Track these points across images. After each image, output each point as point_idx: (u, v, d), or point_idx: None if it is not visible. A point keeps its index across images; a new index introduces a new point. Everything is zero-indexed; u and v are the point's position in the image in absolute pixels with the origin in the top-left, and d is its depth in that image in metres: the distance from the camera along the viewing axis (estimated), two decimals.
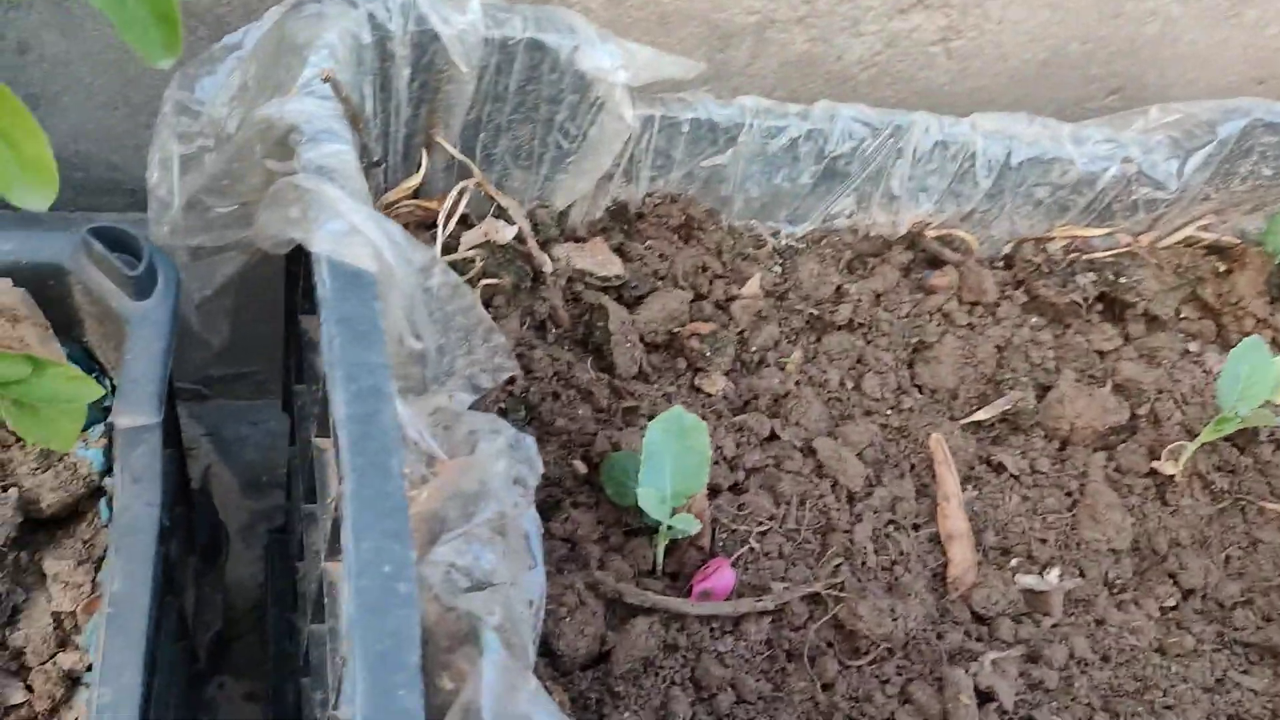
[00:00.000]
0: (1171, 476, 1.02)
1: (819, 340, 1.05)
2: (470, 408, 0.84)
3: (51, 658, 0.77)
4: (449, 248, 0.92)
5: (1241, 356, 0.93)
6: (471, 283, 0.92)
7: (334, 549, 0.72)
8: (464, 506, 0.68)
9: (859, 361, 1.04)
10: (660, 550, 0.85)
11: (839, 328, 1.05)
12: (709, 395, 0.98)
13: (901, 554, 0.91)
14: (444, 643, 0.61)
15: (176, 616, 0.97)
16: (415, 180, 0.90)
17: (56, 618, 0.78)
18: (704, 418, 0.95)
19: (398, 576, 0.56)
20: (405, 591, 0.56)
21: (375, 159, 0.81)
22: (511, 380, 0.90)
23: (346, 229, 0.68)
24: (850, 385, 1.02)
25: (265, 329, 1.28)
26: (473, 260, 0.90)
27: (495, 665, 0.58)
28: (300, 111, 0.73)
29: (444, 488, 0.70)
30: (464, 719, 0.57)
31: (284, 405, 1.12)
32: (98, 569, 0.79)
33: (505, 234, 0.94)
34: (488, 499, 0.68)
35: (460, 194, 0.92)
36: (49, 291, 0.80)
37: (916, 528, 0.94)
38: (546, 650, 0.76)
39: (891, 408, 1.02)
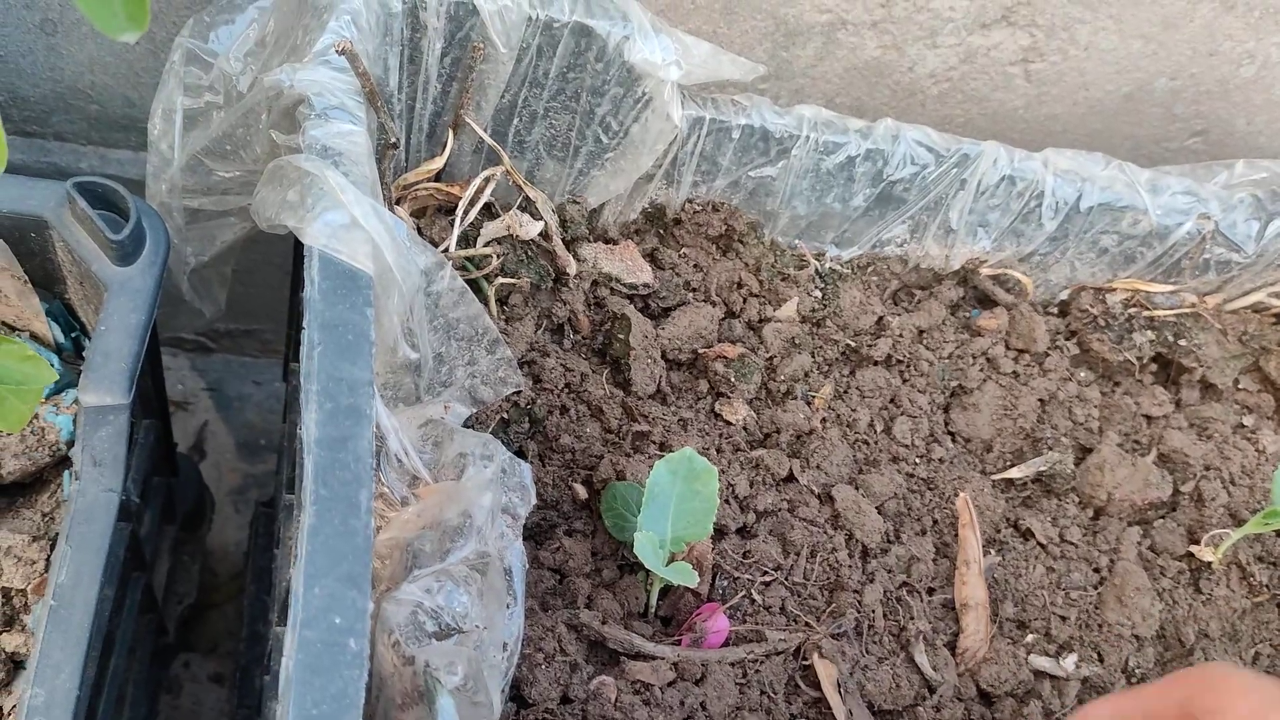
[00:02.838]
0: (1209, 563, 0.95)
1: (852, 374, 0.98)
2: (470, 418, 0.78)
3: None
4: (467, 238, 0.86)
5: None
6: (487, 279, 0.85)
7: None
8: (443, 541, 0.62)
9: (892, 402, 0.97)
10: (654, 593, 0.79)
11: (875, 363, 0.98)
12: (728, 424, 0.91)
13: (911, 618, 0.84)
14: (398, 699, 0.55)
15: (144, 590, 0.92)
16: (439, 162, 0.84)
17: (5, 594, 0.73)
18: (720, 449, 0.88)
19: (350, 630, 0.50)
20: (356, 649, 0.50)
21: (392, 140, 0.74)
22: (518, 390, 0.84)
23: (346, 222, 0.61)
24: (880, 428, 0.95)
25: (275, 287, 1.23)
26: (490, 256, 0.84)
27: None
28: (312, 82, 0.67)
29: (423, 515, 0.64)
30: None
31: (284, 375, 1.07)
32: (54, 546, 0.74)
33: (529, 229, 0.87)
34: (469, 535, 0.62)
35: (486, 181, 0.85)
36: (30, 244, 0.74)
37: (931, 591, 0.87)
38: (517, 695, 0.70)
39: (921, 456, 0.95)
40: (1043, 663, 0.86)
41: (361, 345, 0.58)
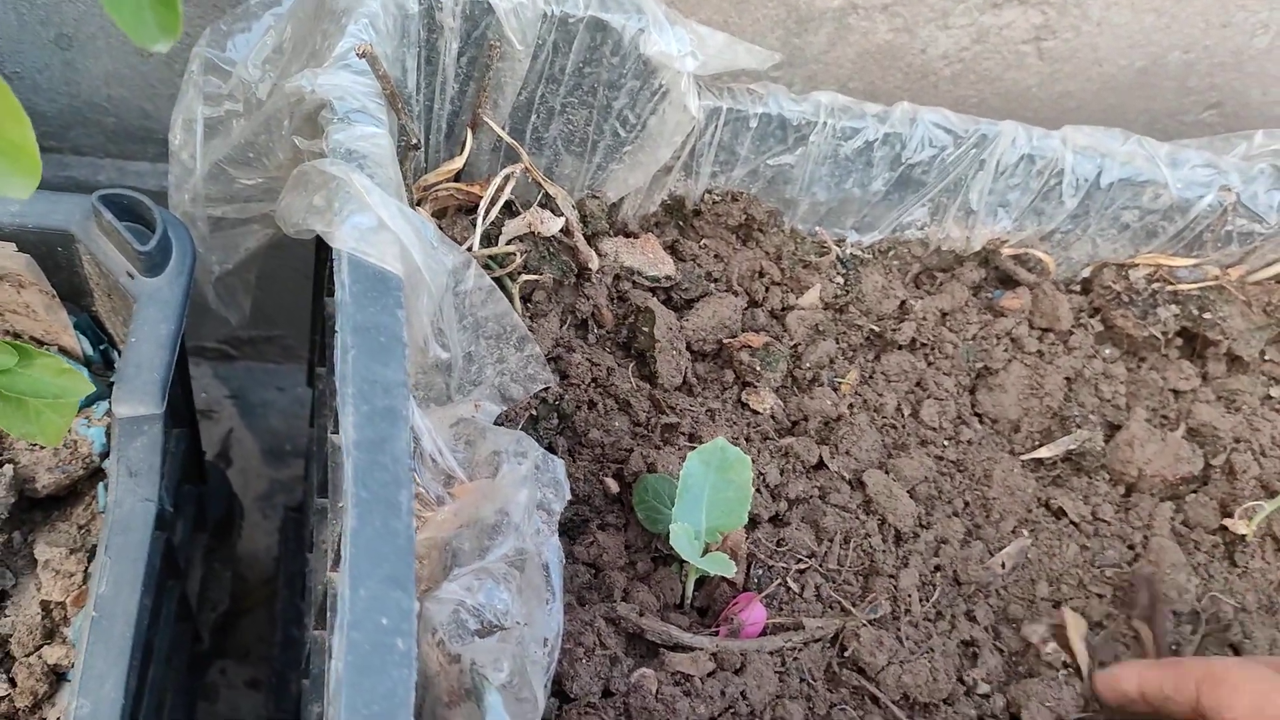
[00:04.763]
0: (1243, 536, 0.94)
1: (878, 359, 0.98)
2: (500, 416, 0.78)
3: (37, 650, 0.72)
4: (489, 237, 0.86)
5: None
6: (511, 277, 0.85)
7: (339, 559, 0.67)
8: (480, 539, 0.62)
9: (918, 385, 0.97)
10: (690, 584, 0.79)
11: (900, 347, 0.98)
12: (756, 413, 0.91)
13: (949, 604, 0.84)
14: (444, 697, 0.56)
15: (179, 598, 0.93)
16: (458, 162, 0.84)
17: (45, 607, 0.74)
18: (749, 439, 0.88)
19: (396, 630, 0.50)
20: (404, 649, 0.50)
21: (413, 142, 0.74)
22: (546, 387, 0.84)
23: (374, 224, 0.61)
24: (907, 412, 0.95)
25: (296, 292, 1.23)
26: (513, 254, 0.84)
27: None
28: (334, 86, 0.67)
29: (460, 514, 0.64)
30: None
31: (309, 380, 1.07)
32: (91, 558, 0.75)
33: (551, 226, 0.87)
34: (507, 533, 0.63)
35: (506, 179, 0.85)
36: (57, 258, 0.74)
37: (959, 583, 0.87)
38: (559, 690, 0.70)
39: (949, 438, 0.95)
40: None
41: (394, 347, 0.59)
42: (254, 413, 1.32)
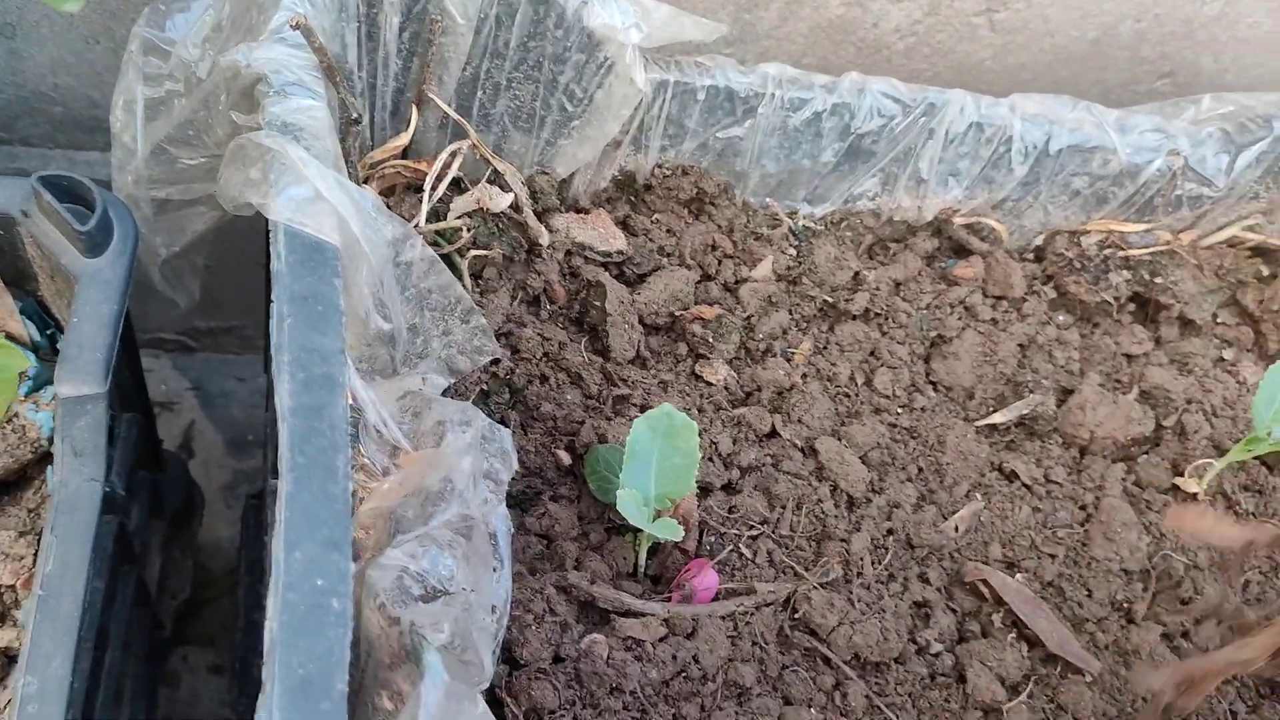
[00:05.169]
0: (1194, 495, 0.95)
1: (831, 330, 0.98)
2: (448, 389, 0.78)
3: None
4: (437, 214, 0.86)
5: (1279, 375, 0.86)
6: (460, 253, 0.85)
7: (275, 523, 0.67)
8: (424, 506, 0.63)
9: (872, 354, 0.98)
10: (642, 552, 0.79)
11: (853, 317, 0.99)
12: (709, 385, 0.91)
13: (902, 567, 0.85)
14: (385, 659, 0.56)
15: (136, 584, 0.92)
16: (404, 138, 0.84)
17: None
18: (702, 409, 0.89)
19: (332, 591, 0.51)
20: (339, 609, 0.50)
21: (354, 116, 0.74)
22: (496, 360, 0.84)
23: (310, 195, 0.61)
24: (861, 380, 0.96)
25: (253, 283, 1.22)
26: (461, 230, 0.84)
27: (437, 690, 0.52)
28: (269, 60, 0.67)
29: (405, 483, 0.65)
30: None
31: (265, 366, 1.07)
32: (41, 541, 0.74)
33: (500, 201, 0.87)
34: (451, 499, 0.63)
35: (452, 155, 0.85)
36: None
37: (911, 546, 0.87)
38: (509, 657, 0.70)
39: (903, 406, 0.96)
40: None
41: (331, 316, 0.59)
42: (215, 404, 1.31)
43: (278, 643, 0.49)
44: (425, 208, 0.82)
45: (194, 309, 1.27)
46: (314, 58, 0.69)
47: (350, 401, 0.65)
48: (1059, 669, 0.83)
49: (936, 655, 0.81)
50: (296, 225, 0.60)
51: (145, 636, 0.96)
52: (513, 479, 0.80)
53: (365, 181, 0.84)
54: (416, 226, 0.82)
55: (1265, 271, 1.11)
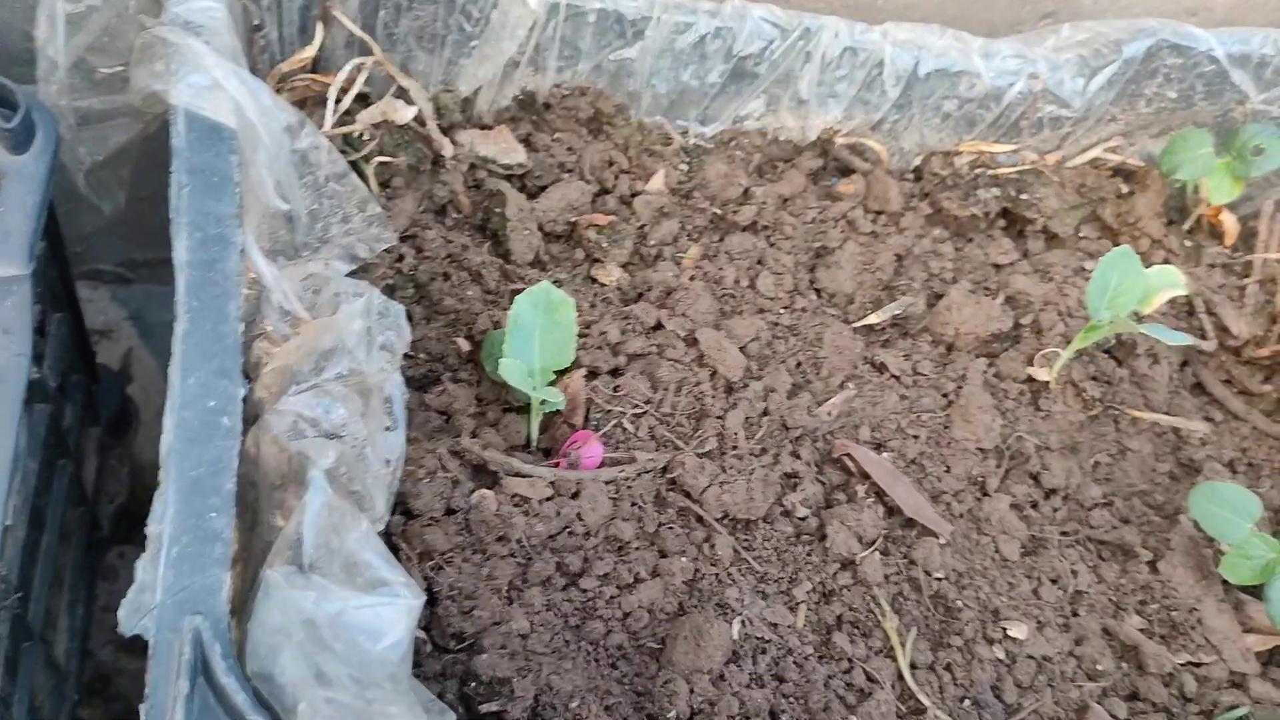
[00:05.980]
0: (1046, 383, 1.04)
1: (721, 240, 1.06)
2: (352, 277, 0.85)
3: None
4: (346, 126, 0.93)
5: (1111, 265, 0.94)
6: (366, 159, 0.93)
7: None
8: (318, 361, 0.70)
9: (758, 262, 1.06)
10: (534, 425, 0.87)
11: (742, 229, 1.07)
12: (603, 285, 0.99)
13: (775, 444, 0.93)
14: (276, 480, 0.63)
15: (72, 480, 0.99)
16: (310, 51, 0.91)
17: None
18: (594, 305, 0.97)
19: (223, 411, 0.58)
20: (229, 425, 0.58)
21: (255, 23, 0.81)
22: (401, 258, 0.91)
23: (208, 83, 0.68)
24: (745, 283, 1.04)
25: None
26: (364, 134, 0.91)
27: (320, 502, 0.60)
28: None
29: (303, 346, 0.72)
30: (288, 549, 0.59)
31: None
32: None
33: (404, 114, 0.95)
34: (342, 355, 0.70)
35: (357, 69, 0.92)
36: None
37: (786, 427, 0.95)
38: (405, 510, 0.78)
39: (785, 307, 1.04)
40: None
41: (226, 186, 0.66)
42: (154, 333, 1.37)
43: (173, 451, 0.56)
44: (330, 112, 0.89)
45: (132, 240, 1.33)
46: None
47: (254, 276, 0.72)
48: (915, 532, 0.92)
49: (803, 519, 0.90)
50: (195, 109, 0.67)
51: (84, 533, 1.03)
52: (414, 363, 0.88)
53: (276, 94, 0.90)
54: (322, 130, 0.89)
55: (1124, 189, 1.20)
